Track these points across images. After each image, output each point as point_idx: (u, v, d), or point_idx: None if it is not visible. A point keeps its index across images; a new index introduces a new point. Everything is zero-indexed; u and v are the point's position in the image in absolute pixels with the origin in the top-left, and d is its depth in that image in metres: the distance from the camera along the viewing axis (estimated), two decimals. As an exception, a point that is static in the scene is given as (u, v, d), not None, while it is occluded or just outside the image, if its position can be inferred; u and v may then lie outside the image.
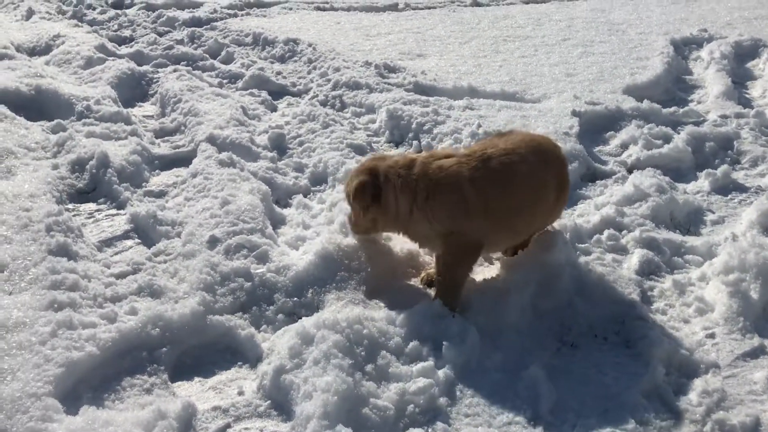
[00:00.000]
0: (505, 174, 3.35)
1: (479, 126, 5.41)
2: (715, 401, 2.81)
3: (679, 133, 5.44)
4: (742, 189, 4.75)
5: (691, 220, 4.37)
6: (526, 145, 3.50)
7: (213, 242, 3.74)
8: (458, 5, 11.38)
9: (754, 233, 3.93)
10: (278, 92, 6.83)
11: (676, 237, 4.08)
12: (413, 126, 5.61)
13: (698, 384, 2.91)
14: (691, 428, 2.71)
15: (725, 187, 4.75)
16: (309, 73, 7.35)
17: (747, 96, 6.67)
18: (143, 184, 4.76)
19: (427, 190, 3.32)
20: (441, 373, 2.87)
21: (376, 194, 3.44)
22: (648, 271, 3.77)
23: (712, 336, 3.24)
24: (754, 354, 3.12)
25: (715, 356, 3.09)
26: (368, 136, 5.70)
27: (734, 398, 2.86)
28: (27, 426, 2.43)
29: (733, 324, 3.28)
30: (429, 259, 3.78)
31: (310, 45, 8.15)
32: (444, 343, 3.00)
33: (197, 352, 3.12)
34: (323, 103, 6.37)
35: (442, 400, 2.78)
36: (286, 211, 4.45)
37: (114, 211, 4.38)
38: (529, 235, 3.72)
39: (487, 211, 3.31)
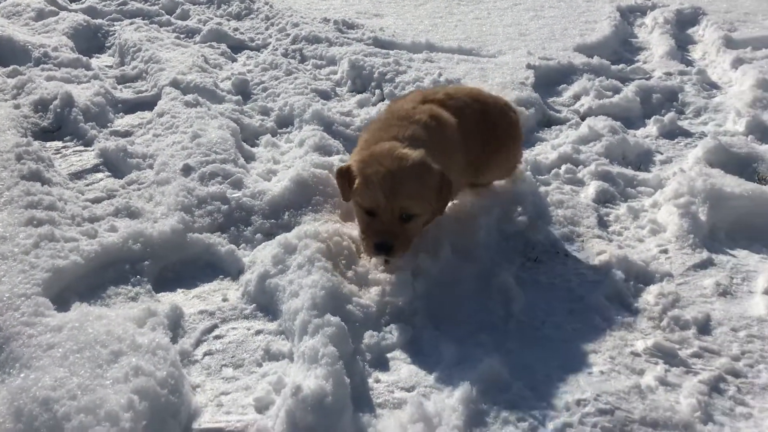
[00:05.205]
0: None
1: (440, 75, 5.56)
2: (670, 302, 3.05)
3: (627, 86, 5.72)
4: (687, 134, 5.02)
5: (641, 160, 4.61)
6: (470, 96, 3.74)
7: (187, 170, 3.79)
8: (410, -27, 11.46)
9: (701, 166, 4.20)
10: (237, 47, 6.79)
11: (629, 171, 4.32)
12: (375, 75, 5.71)
13: (654, 289, 3.15)
14: (650, 324, 2.93)
15: (672, 132, 5.02)
16: (267, 29, 7.31)
17: (689, 57, 6.99)
18: (108, 125, 4.73)
19: None
20: (419, 279, 3.02)
21: None
22: (604, 199, 4.00)
23: (665, 251, 3.48)
24: (703, 265, 3.36)
25: (669, 267, 3.33)
26: (332, 84, 5.78)
27: (687, 300, 3.09)
28: (20, 320, 2.46)
29: (684, 241, 3.52)
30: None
31: (266, 3, 8.12)
32: (419, 253, 3.15)
33: (178, 267, 3.19)
34: (284, 56, 6.39)
35: (420, 303, 2.92)
36: (254, 149, 4.51)
37: (81, 148, 4.35)
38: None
39: None
